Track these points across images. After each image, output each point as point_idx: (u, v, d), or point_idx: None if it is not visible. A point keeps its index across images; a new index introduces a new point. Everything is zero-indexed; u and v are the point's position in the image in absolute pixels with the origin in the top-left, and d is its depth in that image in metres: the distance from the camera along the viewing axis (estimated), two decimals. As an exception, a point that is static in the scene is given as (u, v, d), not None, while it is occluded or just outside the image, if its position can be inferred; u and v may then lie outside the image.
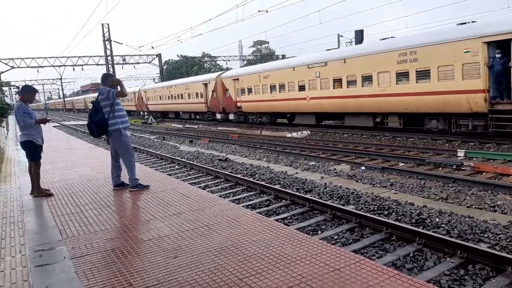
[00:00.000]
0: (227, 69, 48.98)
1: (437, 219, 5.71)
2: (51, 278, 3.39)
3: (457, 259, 4.43)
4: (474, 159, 10.77)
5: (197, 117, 35.06)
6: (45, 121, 6.60)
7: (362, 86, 16.80)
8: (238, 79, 26.01)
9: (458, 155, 11.41)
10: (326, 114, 20.69)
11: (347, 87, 17.59)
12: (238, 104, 26.40)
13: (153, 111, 43.85)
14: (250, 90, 24.87)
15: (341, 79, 17.87)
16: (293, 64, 21.42)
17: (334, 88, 18.36)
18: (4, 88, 26.75)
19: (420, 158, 11.16)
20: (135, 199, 5.94)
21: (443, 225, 5.47)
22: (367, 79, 16.58)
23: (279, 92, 22.14)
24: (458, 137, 13.99)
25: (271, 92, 22.84)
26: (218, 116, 29.91)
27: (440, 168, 10.02)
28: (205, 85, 30.54)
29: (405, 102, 15.03)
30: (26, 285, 3.28)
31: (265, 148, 15.24)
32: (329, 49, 21.07)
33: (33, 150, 6.37)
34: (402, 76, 15.04)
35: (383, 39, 16.66)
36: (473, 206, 6.72)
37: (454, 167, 9.82)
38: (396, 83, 15.24)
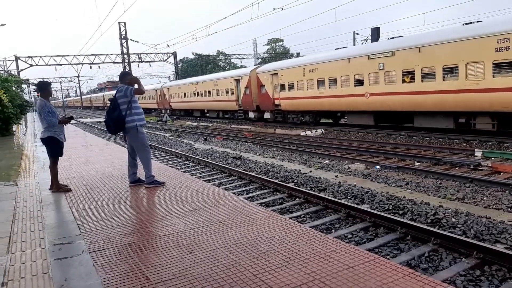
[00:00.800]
0: (242, 67, 48.87)
1: (453, 219, 5.65)
2: (70, 271, 3.47)
3: (473, 260, 4.38)
4: (492, 159, 10.60)
5: (226, 116, 32.33)
6: (67, 121, 6.68)
7: (443, 79, 14.13)
8: (277, 73, 23.42)
9: (475, 154, 11.24)
10: (388, 113, 17.48)
11: (422, 81, 14.85)
12: (276, 102, 23.89)
13: (176, 109, 41.72)
14: (291, 86, 22.19)
15: (413, 71, 15.11)
16: (348, 55, 18.50)
17: (403, 82, 15.62)
18: (23, 86, 27.33)
19: (436, 157, 11.03)
20: (151, 195, 6.03)
21: (459, 225, 5.41)
22: (451, 71, 13.92)
23: (329, 87, 19.45)
24: (476, 136, 13.75)
25: (318, 88, 20.16)
26: (251, 115, 27.12)
27: (457, 168, 9.89)
28: (237, 81, 27.98)
29: (505, 99, 12.38)
30: (46, 277, 3.37)
31: (279, 147, 15.24)
32: (393, 37, 17.45)
33: (56, 146, 6.50)
34: (502, 67, 12.43)
35: (467, 23, 14.09)
36: (490, 207, 6.63)
37: (471, 167, 9.68)
38: (493, 76, 12.59)
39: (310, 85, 20.84)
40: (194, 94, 35.49)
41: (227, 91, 29.50)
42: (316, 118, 22.21)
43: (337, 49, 20.82)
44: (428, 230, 5.05)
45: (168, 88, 42.47)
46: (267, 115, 25.55)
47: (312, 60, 21.15)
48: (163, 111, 43.54)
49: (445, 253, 4.67)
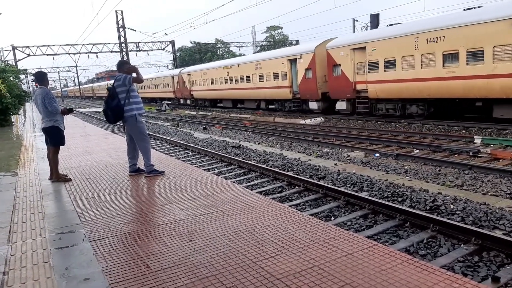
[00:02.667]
0: (241, 55, 48.21)
1: (452, 206, 5.67)
2: (70, 259, 3.49)
3: (472, 246, 4.41)
4: (491, 146, 10.61)
5: (270, 106, 26.03)
6: (67, 112, 6.69)
7: None
8: (364, 47, 17.37)
9: (474, 141, 11.25)
10: None
11: None
12: (359, 87, 18.04)
13: (199, 98, 35.71)
14: (390, 64, 16.24)
15: None
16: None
17: None
18: (21, 76, 27.18)
19: (435, 144, 11.04)
20: (150, 185, 6.04)
21: (458, 212, 5.44)
22: None
23: (467, 64, 13.35)
24: (475, 123, 13.75)
25: (443, 65, 14.12)
26: (314, 105, 21.01)
27: (456, 155, 9.90)
28: (292, 61, 22.01)
29: None
30: (47, 266, 3.39)
31: (278, 135, 15.24)
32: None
33: (58, 135, 6.52)
34: None
35: None
36: (489, 193, 6.65)
37: (471, 154, 9.69)
38: None
39: (427, 62, 14.76)
40: (226, 80, 29.11)
41: (275, 75, 23.31)
42: (429, 109, 16.02)
43: (468, 9, 14.38)
44: (427, 217, 5.07)
45: (189, 74, 35.95)
46: (341, 105, 19.40)
47: (433, 25, 14.62)
48: (181, 100, 39.31)
49: (444, 239, 4.70)
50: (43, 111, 6.37)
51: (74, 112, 10.07)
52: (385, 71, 16.53)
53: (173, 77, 40.21)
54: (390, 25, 17.45)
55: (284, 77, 22.70)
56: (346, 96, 18.89)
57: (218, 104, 33.97)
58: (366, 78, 17.50)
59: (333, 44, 19.40)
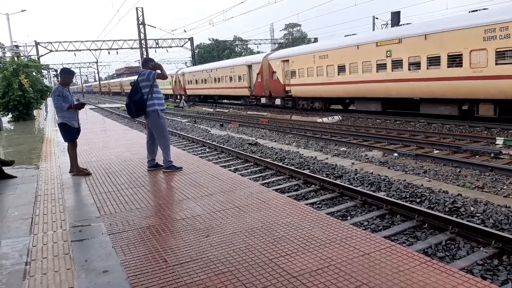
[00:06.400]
0: (258, 52, 47.78)
1: (472, 208, 5.57)
2: (90, 252, 3.56)
3: (492, 249, 4.33)
4: (514, 147, 10.35)
5: None
6: (79, 106, 6.79)
7: None
8: None
9: (496, 143, 11.00)
10: None
11: None
12: None
13: (304, 97, 23.31)
14: None
15: None
16: None
17: None
18: (43, 71, 27.73)
19: (456, 145, 10.83)
20: (168, 180, 6.11)
21: (478, 214, 5.34)
22: None
23: None
24: (498, 124, 13.43)
25: None
26: None
27: (477, 156, 9.70)
28: None
29: None
30: (67, 257, 3.47)
31: (295, 133, 15.18)
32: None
33: (67, 132, 6.64)
34: None
35: None
36: (511, 196, 6.50)
37: (492, 155, 9.48)
38: None
39: None
40: (381, 65, 17.17)
41: None
42: None
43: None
44: (445, 219, 4.99)
45: (286, 60, 23.95)
46: None
47: None
48: (267, 100, 26.65)
49: (463, 242, 4.62)
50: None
51: (93, 105, 10.18)
52: None
53: (249, 66, 27.99)
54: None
55: None
56: None
57: (332, 106, 22.35)
58: None
59: None
